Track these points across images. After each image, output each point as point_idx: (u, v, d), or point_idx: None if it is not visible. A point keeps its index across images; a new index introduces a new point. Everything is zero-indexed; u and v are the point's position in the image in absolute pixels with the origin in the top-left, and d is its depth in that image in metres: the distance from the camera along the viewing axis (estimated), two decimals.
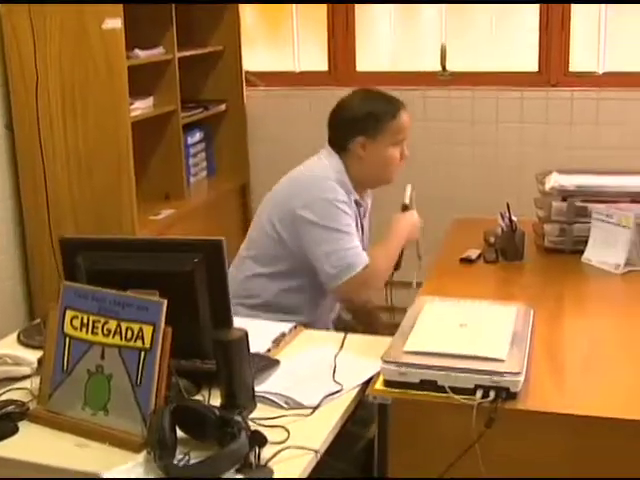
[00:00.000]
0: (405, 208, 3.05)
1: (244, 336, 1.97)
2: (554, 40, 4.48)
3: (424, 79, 4.65)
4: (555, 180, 3.23)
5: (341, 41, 4.77)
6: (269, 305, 2.88)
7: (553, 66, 4.50)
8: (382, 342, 2.27)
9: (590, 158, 4.28)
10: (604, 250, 3.04)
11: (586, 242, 3.11)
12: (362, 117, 2.85)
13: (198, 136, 4.63)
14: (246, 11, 4.83)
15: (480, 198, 4.17)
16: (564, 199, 3.17)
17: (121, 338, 1.96)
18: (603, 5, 4.45)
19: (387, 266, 2.88)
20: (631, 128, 4.38)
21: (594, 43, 4.51)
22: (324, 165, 2.90)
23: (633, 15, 4.49)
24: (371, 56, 4.80)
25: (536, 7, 4.47)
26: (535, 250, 3.22)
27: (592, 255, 3.07)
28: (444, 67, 4.55)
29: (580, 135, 4.43)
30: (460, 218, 3.68)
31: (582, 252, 3.10)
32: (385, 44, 4.85)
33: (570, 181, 3.20)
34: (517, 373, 2.02)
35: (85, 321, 2.00)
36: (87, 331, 2.00)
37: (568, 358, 2.37)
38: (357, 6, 4.73)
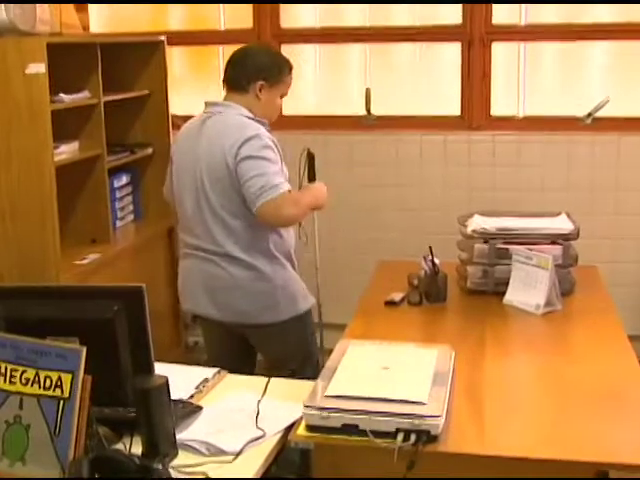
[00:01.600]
0: (313, 178, 3.46)
1: (164, 383, 1.96)
2: (475, 85, 4.58)
3: (349, 123, 4.71)
4: (477, 223, 3.29)
5: None
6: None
7: (475, 110, 4.60)
8: (306, 386, 2.29)
9: (512, 200, 4.37)
10: (525, 291, 3.10)
11: (508, 283, 3.17)
12: (269, 66, 3.21)
13: (125, 180, 4.61)
14: (173, 54, 4.86)
15: (405, 240, 4.22)
16: (486, 241, 3.23)
17: (40, 387, 1.93)
18: (522, 51, 4.58)
19: (303, 204, 3.14)
20: (550, 170, 4.49)
21: (514, 88, 4.62)
22: (231, 117, 3.16)
23: (551, 61, 4.62)
24: (297, 100, 4.84)
25: (458, 53, 4.57)
26: (459, 292, 3.27)
27: (513, 296, 3.13)
28: (369, 111, 4.61)
29: (502, 177, 4.52)
30: (385, 261, 3.72)
31: (504, 293, 3.16)
32: (310, 88, 4.90)
33: (491, 223, 3.27)
34: (437, 416, 2.04)
35: (3, 370, 1.97)
36: (5, 380, 1.97)
37: (489, 399, 2.39)
38: (283, 49, 4.79)
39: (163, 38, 4.60)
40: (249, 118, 3.14)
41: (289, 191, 3.02)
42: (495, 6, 4.52)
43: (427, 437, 2.03)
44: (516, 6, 4.53)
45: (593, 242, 4.29)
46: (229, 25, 4.88)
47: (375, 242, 4.62)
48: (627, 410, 2.29)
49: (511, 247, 3.20)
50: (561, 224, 3.33)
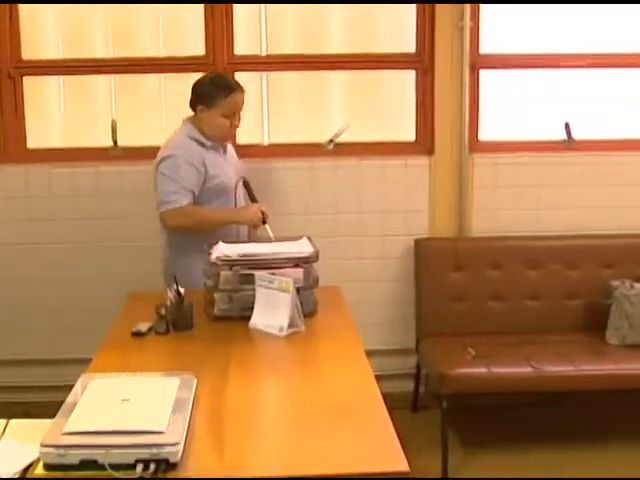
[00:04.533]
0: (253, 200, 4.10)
1: None
2: None
3: (96, 155, 4.67)
4: (220, 250, 3.37)
5: (10, 119, 4.70)
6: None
7: None
8: (47, 425, 2.25)
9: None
10: (268, 314, 3.20)
11: (253, 308, 3.26)
12: (205, 92, 3.94)
13: None
14: None
15: (156, 272, 4.16)
16: (231, 268, 3.31)
17: None
18: (264, 80, 4.72)
19: (196, 217, 3.91)
20: (296, 195, 4.68)
21: (258, 116, 4.75)
22: (176, 134, 4.02)
23: (293, 90, 4.80)
24: (42, 132, 4.77)
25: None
26: (206, 319, 3.33)
27: (258, 320, 3.22)
28: (115, 142, 4.59)
29: None
30: (135, 293, 3.72)
31: (250, 318, 3.25)
32: (56, 120, 4.82)
33: (234, 250, 3.36)
34: (175, 444, 2.07)
35: None
36: None
37: (231, 422, 2.44)
38: (26, 81, 4.69)
39: None
40: (190, 137, 3.92)
41: (180, 207, 3.81)
42: (237, 38, 4.65)
43: (166, 465, 2.05)
44: (257, 37, 4.68)
45: (337, 262, 4.48)
46: None
47: (123, 274, 4.61)
48: (361, 422, 2.40)
49: (255, 272, 3.29)
50: (302, 248, 3.46)
